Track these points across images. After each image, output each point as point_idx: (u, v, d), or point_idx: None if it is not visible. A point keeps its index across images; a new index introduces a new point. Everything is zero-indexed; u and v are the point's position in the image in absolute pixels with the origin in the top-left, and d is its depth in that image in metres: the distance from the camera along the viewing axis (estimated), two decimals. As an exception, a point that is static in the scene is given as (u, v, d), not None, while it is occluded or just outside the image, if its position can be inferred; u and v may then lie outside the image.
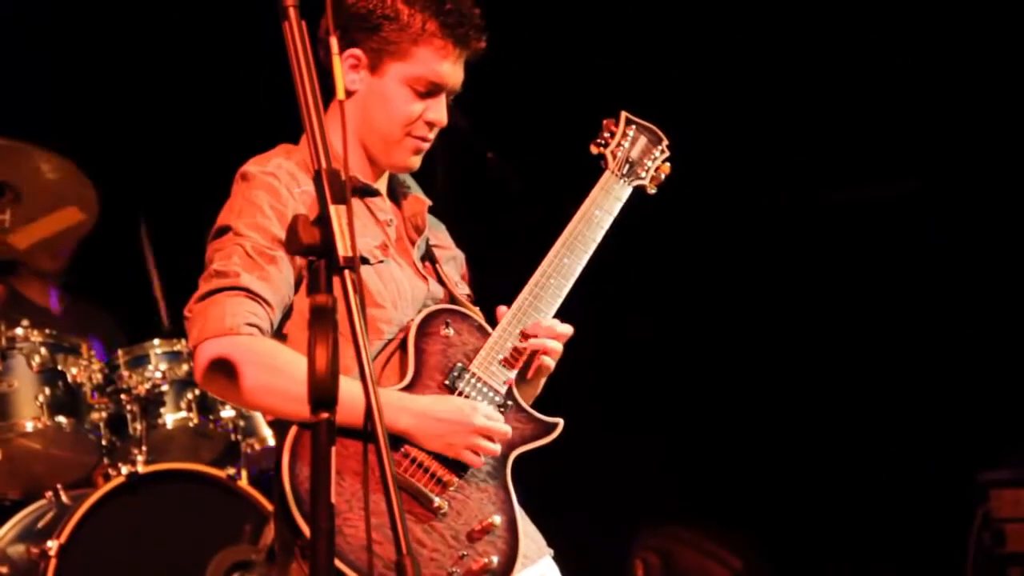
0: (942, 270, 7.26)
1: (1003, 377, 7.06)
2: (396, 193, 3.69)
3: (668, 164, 3.84)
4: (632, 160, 3.77)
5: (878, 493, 7.30)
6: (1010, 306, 7.13)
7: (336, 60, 2.44)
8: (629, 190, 3.75)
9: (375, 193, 3.58)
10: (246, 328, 3.25)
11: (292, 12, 2.42)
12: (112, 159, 6.66)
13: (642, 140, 3.80)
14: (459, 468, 3.41)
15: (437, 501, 3.35)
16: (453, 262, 3.76)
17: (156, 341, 5.91)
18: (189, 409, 5.83)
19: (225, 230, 3.38)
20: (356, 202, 3.52)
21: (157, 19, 7.04)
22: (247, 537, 5.59)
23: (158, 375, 5.79)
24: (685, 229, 7.36)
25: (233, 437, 5.91)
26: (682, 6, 7.24)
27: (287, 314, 3.42)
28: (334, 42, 2.43)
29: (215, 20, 6.94)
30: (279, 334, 3.39)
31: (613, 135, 3.79)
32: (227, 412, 5.89)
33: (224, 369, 3.24)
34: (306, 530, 3.18)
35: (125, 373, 5.82)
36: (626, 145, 3.78)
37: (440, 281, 3.64)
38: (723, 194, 7.41)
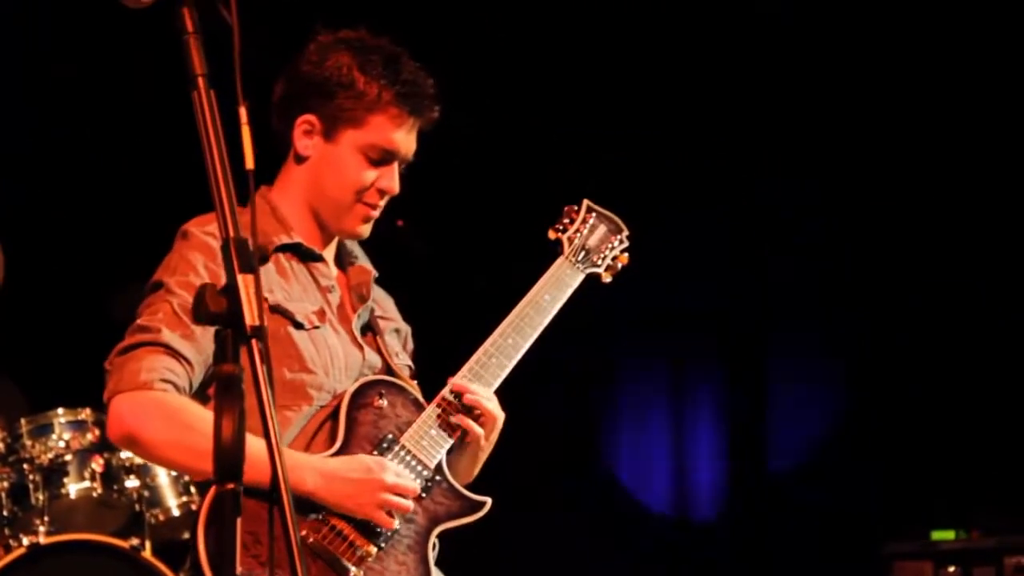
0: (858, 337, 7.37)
1: (909, 451, 7.15)
2: (343, 261, 3.69)
3: (627, 255, 3.87)
4: (588, 248, 3.81)
5: (787, 564, 7.33)
6: (920, 379, 7.22)
7: (245, 130, 2.44)
8: (581, 277, 3.78)
9: (319, 259, 3.58)
10: (160, 384, 3.25)
11: (201, 81, 2.42)
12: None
13: (601, 228, 3.84)
14: (378, 539, 3.38)
15: (353, 571, 3.33)
16: (396, 334, 3.75)
17: (60, 410, 5.85)
18: (93, 479, 5.77)
19: (157, 286, 3.39)
20: (298, 266, 3.55)
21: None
22: (151, 609, 5.52)
23: (61, 444, 5.73)
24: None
25: (137, 507, 5.84)
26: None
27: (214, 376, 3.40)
28: (243, 111, 2.42)
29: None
30: (203, 395, 3.37)
31: (573, 221, 3.82)
32: (131, 482, 5.83)
33: (134, 423, 3.25)
34: None
35: (28, 442, 5.75)
36: (584, 232, 3.81)
37: (379, 352, 3.62)
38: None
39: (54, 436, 5.76)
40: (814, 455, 7.41)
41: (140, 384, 3.24)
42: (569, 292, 3.73)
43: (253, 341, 2.33)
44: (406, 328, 3.80)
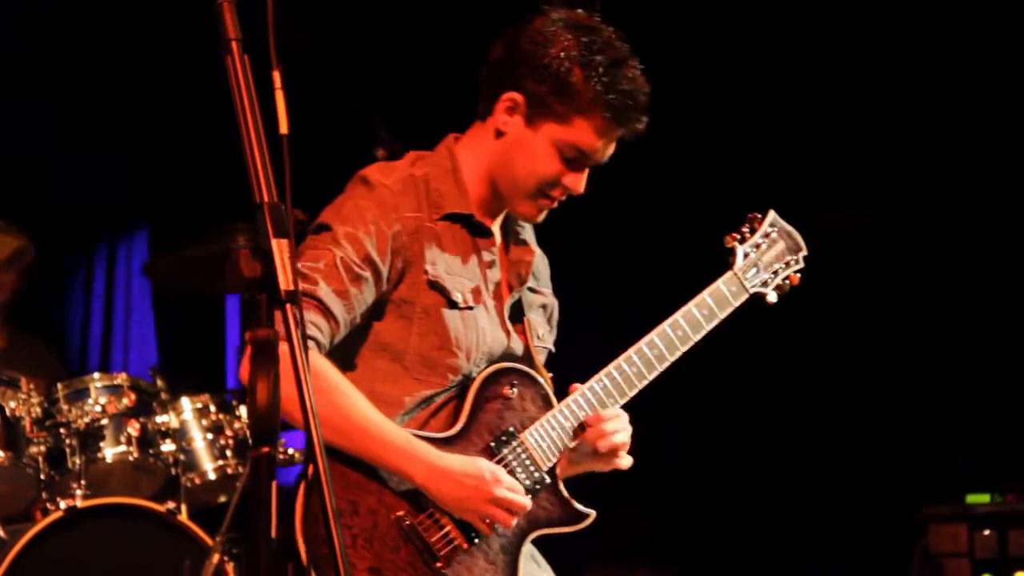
0: (889, 304, 7.32)
1: (942, 414, 7.12)
2: (509, 234, 3.60)
3: (799, 276, 3.70)
4: (761, 264, 3.64)
5: (819, 529, 7.32)
6: (949, 344, 7.19)
7: (279, 95, 2.43)
8: (746, 296, 3.62)
9: (488, 234, 3.51)
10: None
11: (235, 46, 2.41)
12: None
13: (779, 245, 3.68)
14: (474, 534, 3.34)
15: (440, 562, 3.30)
16: (543, 310, 3.66)
17: (96, 375, 5.88)
18: (129, 443, 5.78)
19: (325, 228, 3.35)
20: (465, 238, 3.47)
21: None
22: (187, 572, 5.54)
23: (97, 409, 5.74)
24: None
25: (173, 471, 5.86)
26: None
27: (363, 336, 3.38)
28: (276, 76, 2.41)
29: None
30: (346, 354, 3.36)
31: (754, 231, 3.67)
32: (167, 447, 5.85)
33: None
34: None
35: (64, 407, 5.76)
36: (763, 246, 3.65)
37: (523, 336, 3.55)
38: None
39: (90, 400, 5.78)
40: (848, 420, 7.38)
41: (284, 336, 3.21)
42: (729, 311, 3.57)
43: (287, 306, 2.33)
44: (553, 302, 3.70)
